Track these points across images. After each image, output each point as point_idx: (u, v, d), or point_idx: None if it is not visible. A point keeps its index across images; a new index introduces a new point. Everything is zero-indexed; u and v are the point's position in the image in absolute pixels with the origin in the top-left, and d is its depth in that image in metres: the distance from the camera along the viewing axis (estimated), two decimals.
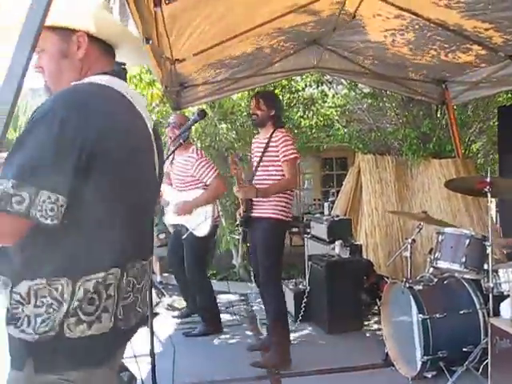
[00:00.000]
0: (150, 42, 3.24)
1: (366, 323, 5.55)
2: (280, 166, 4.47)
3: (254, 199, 4.52)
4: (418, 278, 4.31)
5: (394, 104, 7.91)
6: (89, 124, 1.44)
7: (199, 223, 5.16)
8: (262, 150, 4.60)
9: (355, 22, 4.99)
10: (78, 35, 1.63)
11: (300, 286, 5.97)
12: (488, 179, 3.83)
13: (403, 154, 7.40)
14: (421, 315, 3.76)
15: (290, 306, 5.83)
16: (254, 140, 4.91)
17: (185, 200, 5.20)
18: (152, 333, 3.42)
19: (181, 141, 3.75)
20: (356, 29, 5.21)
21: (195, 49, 4.69)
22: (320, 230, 6.22)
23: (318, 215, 6.83)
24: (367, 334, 5.31)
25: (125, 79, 1.76)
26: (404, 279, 4.11)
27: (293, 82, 8.76)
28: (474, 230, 4.31)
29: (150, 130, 1.76)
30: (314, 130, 9.00)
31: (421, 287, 3.97)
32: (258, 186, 4.47)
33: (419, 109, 7.54)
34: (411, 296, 3.88)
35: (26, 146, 1.37)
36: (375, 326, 5.41)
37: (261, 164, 4.59)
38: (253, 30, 4.82)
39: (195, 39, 4.44)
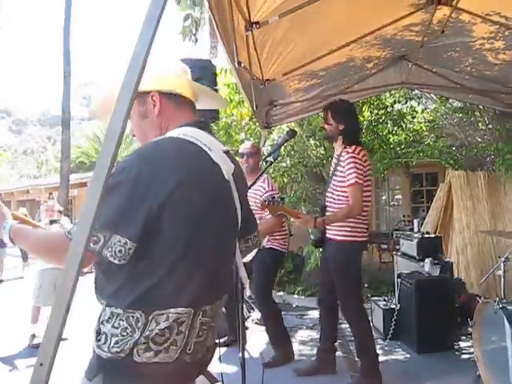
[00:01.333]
0: (242, 65, 3.36)
1: (457, 343, 5.42)
2: (346, 190, 4.27)
3: None
4: None
5: (487, 118, 7.71)
6: (159, 178, 1.62)
7: None
8: (333, 170, 4.48)
9: (445, 34, 4.88)
10: (151, 95, 1.82)
11: (390, 304, 5.90)
12: None
13: (496, 169, 7.20)
14: None
15: (379, 323, 5.82)
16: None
17: None
18: (243, 347, 3.53)
19: (271, 159, 3.80)
20: (446, 41, 5.09)
21: (285, 68, 4.73)
22: (410, 247, 6.17)
23: (407, 232, 6.76)
24: (458, 355, 5.19)
25: (207, 129, 1.90)
26: (497, 299, 4.01)
27: (382, 98, 8.72)
28: None
29: (227, 176, 1.85)
30: (403, 146, 8.90)
31: None
32: (327, 215, 4.39)
33: None
34: (505, 317, 3.76)
35: (108, 198, 1.55)
36: (467, 347, 5.27)
37: (330, 185, 4.45)
38: (352, 42, 4.72)
39: (285, 58, 4.47)
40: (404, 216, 11.31)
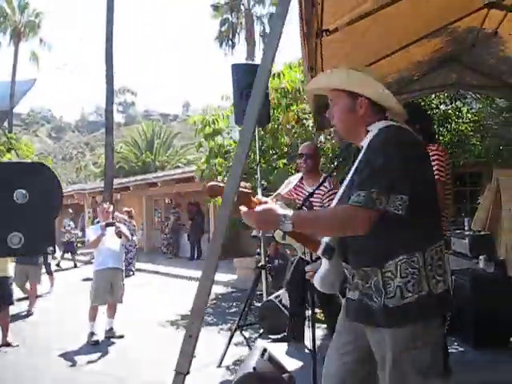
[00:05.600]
0: (314, 71, 3.55)
1: None
2: None
3: None
4: None
5: None
6: (408, 153, 2.19)
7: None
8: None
9: (495, 39, 4.98)
10: (361, 99, 2.32)
11: None
12: None
13: None
14: None
15: None
16: None
17: None
18: (314, 326, 3.74)
19: (341, 159, 3.98)
20: (495, 46, 5.18)
21: None
22: (461, 245, 6.27)
23: (458, 231, 6.84)
24: None
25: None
26: None
27: (426, 100, 8.79)
28: None
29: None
30: (448, 146, 8.96)
31: None
32: None
33: None
34: None
35: (375, 168, 2.13)
36: None
37: None
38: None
39: (353, 63, 4.62)
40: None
